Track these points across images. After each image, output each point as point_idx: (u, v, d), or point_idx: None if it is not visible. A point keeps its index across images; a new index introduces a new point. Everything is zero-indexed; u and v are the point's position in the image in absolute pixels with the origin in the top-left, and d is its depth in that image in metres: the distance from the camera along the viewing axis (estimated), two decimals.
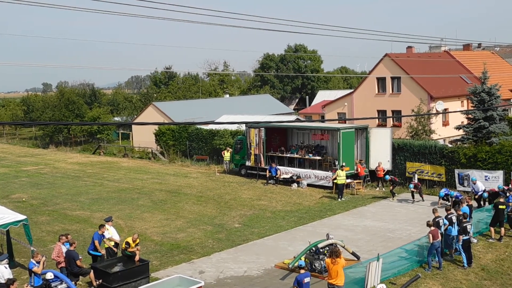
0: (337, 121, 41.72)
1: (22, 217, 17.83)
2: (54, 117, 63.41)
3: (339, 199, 28.38)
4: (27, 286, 14.86)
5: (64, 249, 16.63)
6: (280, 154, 35.05)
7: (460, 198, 22.96)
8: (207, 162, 42.28)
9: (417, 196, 27.44)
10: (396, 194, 28.43)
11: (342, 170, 28.97)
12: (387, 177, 29.02)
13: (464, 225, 18.22)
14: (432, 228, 17.57)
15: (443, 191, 25.41)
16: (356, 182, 30.43)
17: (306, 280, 14.22)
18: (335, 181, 29.05)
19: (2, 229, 17.50)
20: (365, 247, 19.89)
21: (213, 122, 17.96)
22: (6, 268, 15.33)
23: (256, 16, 17.86)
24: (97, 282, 16.08)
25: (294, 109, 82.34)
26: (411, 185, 27.37)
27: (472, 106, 33.10)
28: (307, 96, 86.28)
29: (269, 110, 61.68)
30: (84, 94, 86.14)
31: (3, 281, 14.35)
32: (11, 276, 14.83)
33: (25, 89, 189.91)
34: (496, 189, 23.89)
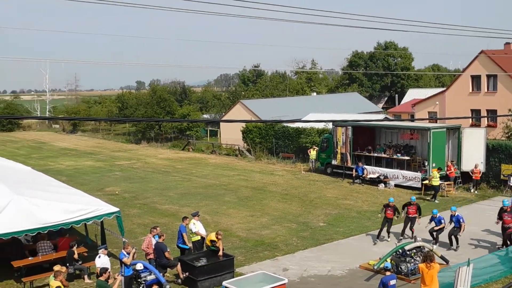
0: (428, 121, 40.48)
1: (115, 209, 18.52)
2: (147, 114, 65.54)
3: (434, 201, 27.56)
4: (117, 275, 15.52)
5: (154, 241, 17.15)
6: (367, 154, 34.45)
7: None
8: (293, 160, 42.30)
9: None
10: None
11: (437, 171, 28.21)
12: None
13: None
14: None
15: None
16: (447, 184, 29.40)
17: (392, 282, 13.89)
18: (430, 182, 28.25)
19: (97, 220, 18.31)
20: (453, 251, 19.17)
21: (299, 120, 18.00)
22: (99, 258, 16.09)
23: (345, 13, 17.66)
24: (184, 275, 16.48)
25: (382, 108, 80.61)
26: None
27: None
28: (396, 95, 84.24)
29: (357, 108, 60.82)
30: (175, 92, 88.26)
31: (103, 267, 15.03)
32: (108, 265, 15.55)
33: (120, 87, 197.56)
34: None
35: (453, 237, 19.54)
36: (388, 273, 14.08)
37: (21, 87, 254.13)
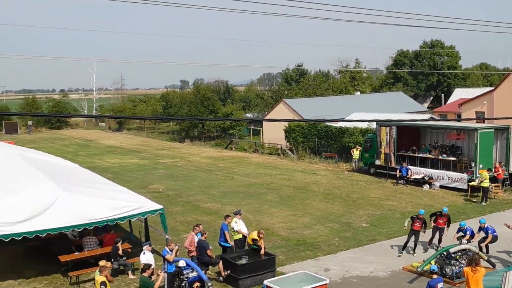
0: (475, 121, 39.55)
1: (159, 206, 18.76)
2: (190, 113, 66.11)
3: (482, 203, 26.96)
4: (160, 272, 15.76)
5: (196, 239, 17.33)
6: (411, 154, 33.90)
7: None
8: (335, 160, 42.04)
9: None
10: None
11: (487, 172, 27.61)
12: None
13: None
14: None
15: None
16: (494, 186, 28.67)
17: (439, 285, 13.66)
18: (481, 184, 27.61)
19: (141, 217, 18.60)
20: (500, 255, 18.69)
21: (343, 120, 17.86)
22: (144, 254, 16.37)
23: (390, 11, 17.42)
24: (225, 273, 16.59)
25: (428, 107, 79.17)
26: None
27: None
28: (442, 94, 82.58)
29: (401, 108, 59.87)
30: (218, 91, 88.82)
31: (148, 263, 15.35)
32: (152, 262, 15.82)
33: (165, 86, 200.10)
34: None
35: (482, 245, 18.73)
36: (434, 276, 13.88)
37: (69, 86, 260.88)
